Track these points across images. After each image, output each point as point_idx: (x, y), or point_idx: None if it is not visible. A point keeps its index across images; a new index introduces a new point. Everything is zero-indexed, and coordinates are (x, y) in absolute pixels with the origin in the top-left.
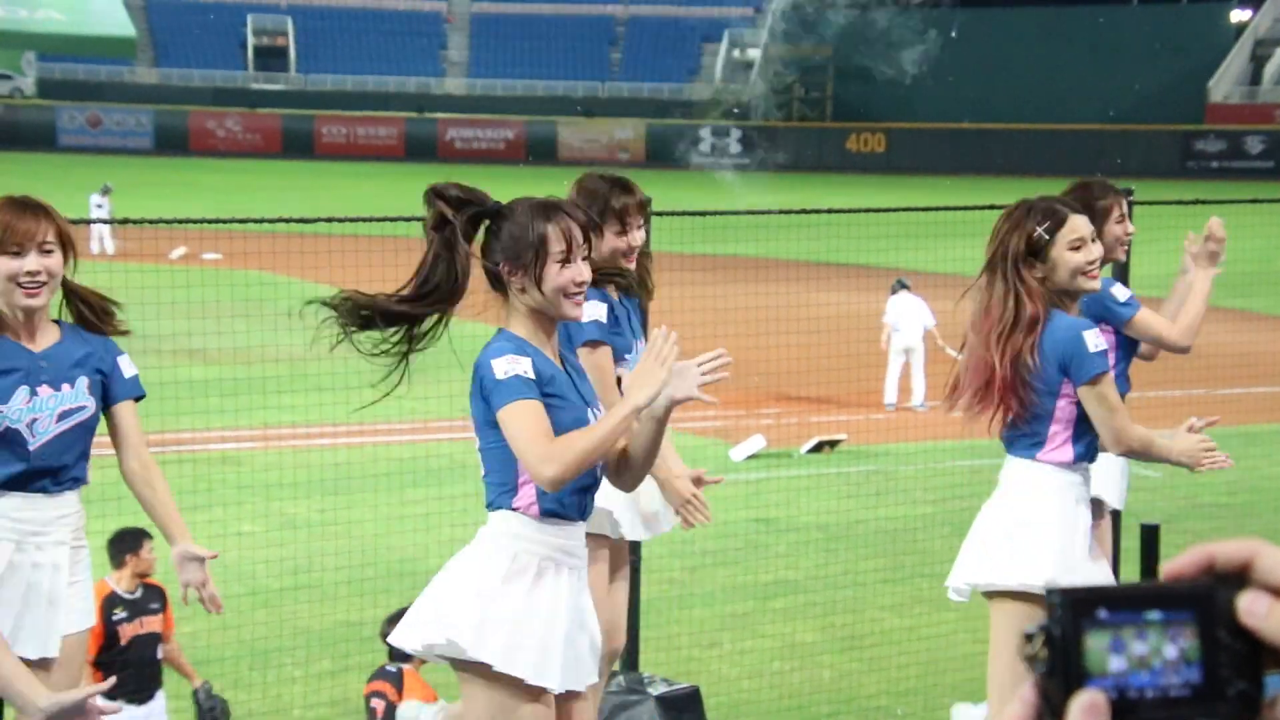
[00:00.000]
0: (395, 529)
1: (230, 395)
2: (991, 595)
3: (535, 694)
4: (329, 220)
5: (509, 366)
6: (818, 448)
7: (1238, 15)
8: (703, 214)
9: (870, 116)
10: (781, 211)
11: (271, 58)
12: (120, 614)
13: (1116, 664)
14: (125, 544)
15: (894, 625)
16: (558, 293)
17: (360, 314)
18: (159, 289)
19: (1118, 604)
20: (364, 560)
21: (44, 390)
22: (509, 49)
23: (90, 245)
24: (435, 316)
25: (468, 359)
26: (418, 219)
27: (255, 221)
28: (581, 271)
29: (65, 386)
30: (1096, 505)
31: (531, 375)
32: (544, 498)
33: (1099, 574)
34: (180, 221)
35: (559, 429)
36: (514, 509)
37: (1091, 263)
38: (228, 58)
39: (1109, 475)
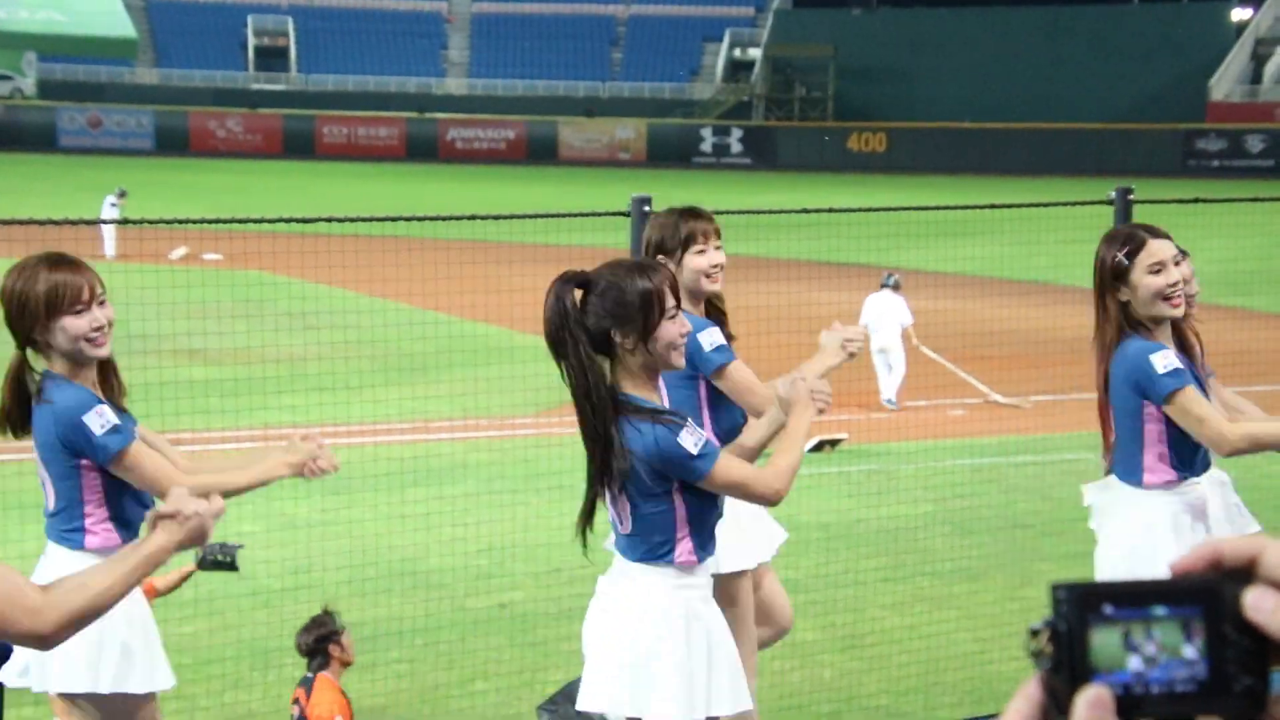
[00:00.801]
0: (396, 529)
1: (230, 395)
2: None
3: None
4: (329, 220)
5: (695, 435)
6: (818, 447)
7: (1238, 14)
8: None
9: (871, 116)
10: (782, 211)
11: (272, 58)
12: None
13: (1122, 659)
14: None
15: (894, 624)
16: (669, 347)
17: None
18: (159, 289)
19: (1124, 600)
20: (364, 560)
21: None
22: (509, 49)
23: (101, 248)
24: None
25: (467, 359)
26: (417, 219)
27: (255, 221)
28: (685, 324)
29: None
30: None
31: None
32: (700, 548)
33: None
34: (181, 222)
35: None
36: (674, 563)
37: (1173, 285)
38: (228, 58)
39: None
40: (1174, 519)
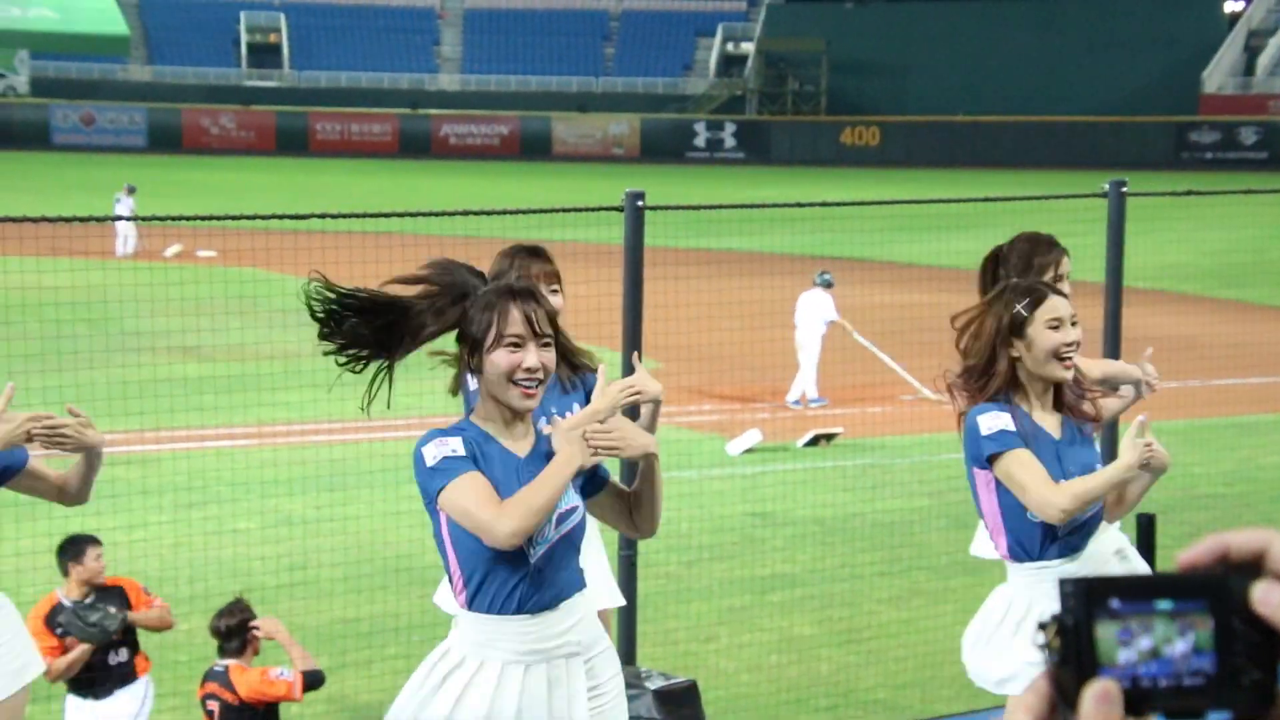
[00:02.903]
0: (391, 525)
1: (225, 392)
2: None
3: None
4: (322, 216)
5: (437, 450)
6: (814, 441)
7: (1231, 6)
8: (697, 208)
9: (864, 110)
10: (776, 205)
11: (265, 54)
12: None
13: (1129, 653)
14: (67, 553)
15: (891, 618)
16: (497, 377)
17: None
18: (153, 286)
19: (1131, 594)
20: (360, 556)
21: None
22: (502, 44)
23: (113, 246)
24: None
25: None
26: (411, 215)
27: (249, 218)
28: (522, 360)
29: None
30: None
31: (462, 451)
32: (470, 590)
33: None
34: (175, 218)
35: (465, 531)
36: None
37: (1069, 344)
38: (221, 55)
39: None
40: (999, 595)
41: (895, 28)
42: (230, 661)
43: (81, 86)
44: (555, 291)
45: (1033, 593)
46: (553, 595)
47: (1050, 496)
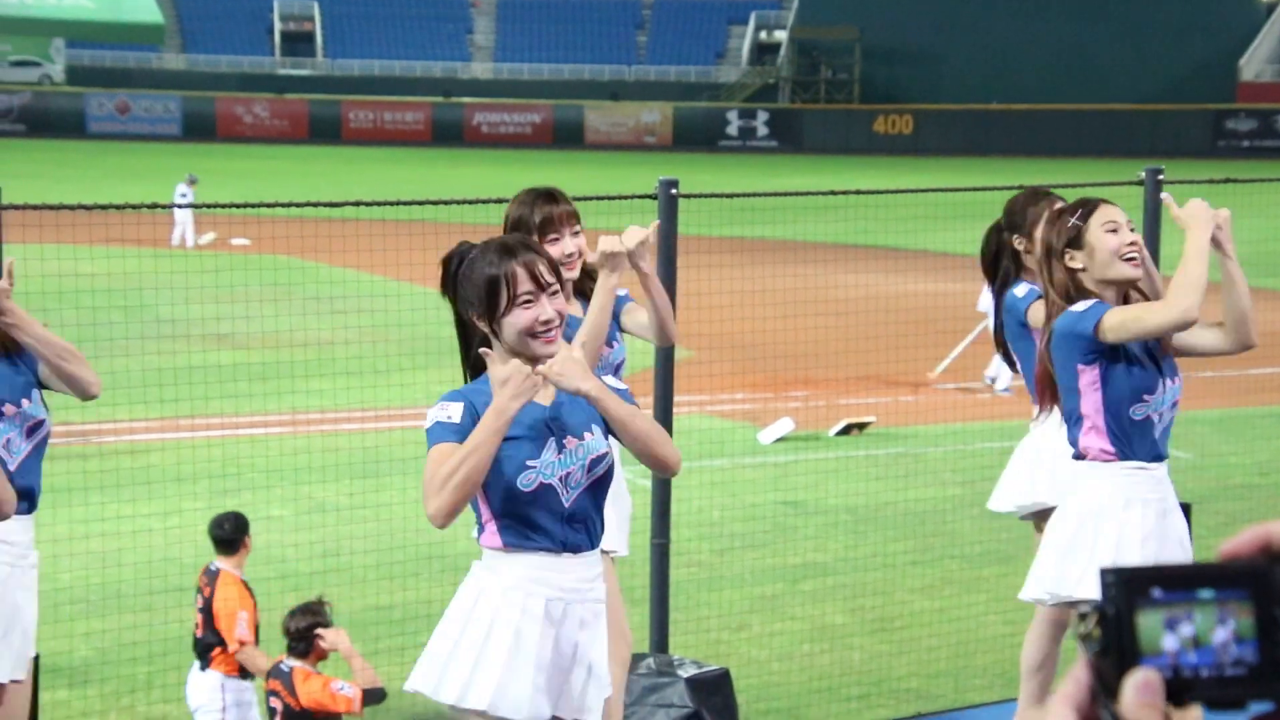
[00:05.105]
0: (424, 512)
1: (259, 380)
2: None
3: None
4: (356, 205)
5: (437, 413)
6: (846, 430)
7: None
8: (729, 196)
9: (897, 98)
10: (809, 193)
11: (298, 43)
12: None
13: (1170, 643)
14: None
15: (924, 607)
16: (520, 334)
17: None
18: (188, 274)
19: (1172, 583)
20: (393, 544)
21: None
22: (535, 33)
23: (173, 238)
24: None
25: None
26: (444, 203)
27: (283, 206)
28: (546, 310)
29: (24, 401)
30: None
31: (457, 419)
32: (504, 531)
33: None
34: (209, 206)
35: (499, 476)
36: (482, 545)
37: (1130, 244)
38: (255, 43)
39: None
40: (1092, 495)
41: (929, 15)
42: (295, 664)
43: (116, 75)
44: (577, 233)
45: (1127, 492)
46: (581, 539)
47: (1169, 307)
